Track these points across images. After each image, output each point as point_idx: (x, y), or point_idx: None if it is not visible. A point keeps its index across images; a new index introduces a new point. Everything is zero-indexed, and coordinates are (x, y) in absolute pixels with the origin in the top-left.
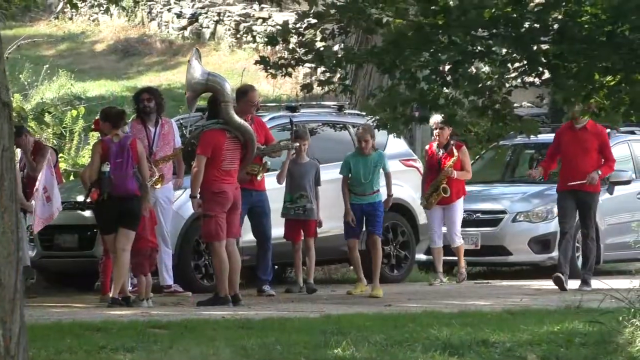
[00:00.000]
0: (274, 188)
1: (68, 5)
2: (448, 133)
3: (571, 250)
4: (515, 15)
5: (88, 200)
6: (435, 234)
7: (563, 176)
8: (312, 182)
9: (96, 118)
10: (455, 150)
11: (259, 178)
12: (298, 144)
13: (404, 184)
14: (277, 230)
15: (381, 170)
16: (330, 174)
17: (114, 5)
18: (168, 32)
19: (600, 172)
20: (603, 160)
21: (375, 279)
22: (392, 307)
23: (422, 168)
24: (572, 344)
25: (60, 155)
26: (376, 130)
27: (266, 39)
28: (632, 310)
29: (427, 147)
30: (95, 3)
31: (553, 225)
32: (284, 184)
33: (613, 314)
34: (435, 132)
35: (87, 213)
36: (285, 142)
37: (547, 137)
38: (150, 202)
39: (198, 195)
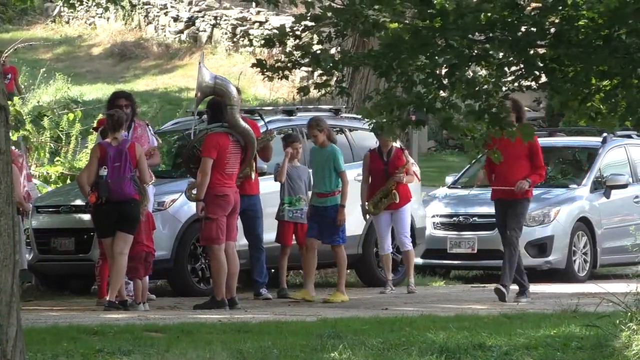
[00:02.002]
0: (267, 192)
1: (65, 7)
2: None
3: (519, 260)
4: (512, 19)
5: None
6: (384, 241)
7: (493, 184)
8: (306, 187)
9: (100, 117)
10: (404, 155)
11: (253, 178)
12: (290, 146)
13: None
14: (271, 234)
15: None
16: None
17: (113, 5)
18: (165, 35)
19: (529, 181)
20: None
21: (339, 285)
22: (388, 311)
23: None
24: (569, 347)
25: (57, 158)
26: (372, 133)
27: (263, 41)
28: (629, 314)
29: (366, 152)
30: (94, 3)
31: (550, 229)
32: (277, 187)
33: (610, 318)
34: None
35: (85, 216)
36: (263, 135)
37: (545, 141)
38: (148, 206)
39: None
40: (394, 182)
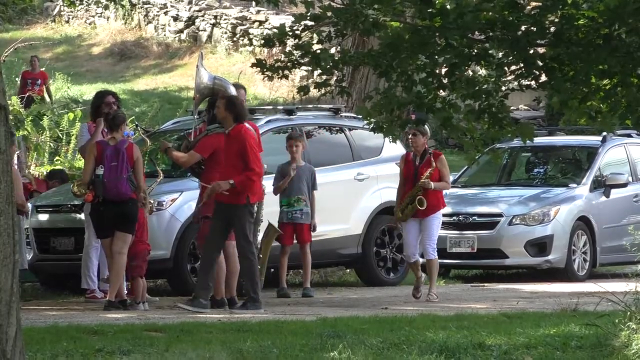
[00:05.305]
0: (268, 192)
1: (65, 6)
2: (424, 140)
3: (214, 270)
4: (512, 18)
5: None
6: (411, 248)
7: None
8: (309, 186)
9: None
10: (433, 160)
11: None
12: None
13: None
14: None
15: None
16: (327, 177)
17: (113, 3)
18: (165, 35)
19: (232, 183)
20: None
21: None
22: (388, 310)
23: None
24: (568, 347)
25: (57, 158)
26: (372, 133)
27: (263, 41)
28: (628, 313)
29: (403, 154)
30: (94, 1)
31: (549, 228)
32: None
33: (609, 317)
34: (409, 138)
35: (83, 216)
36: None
37: (544, 140)
38: (148, 206)
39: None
40: (419, 188)
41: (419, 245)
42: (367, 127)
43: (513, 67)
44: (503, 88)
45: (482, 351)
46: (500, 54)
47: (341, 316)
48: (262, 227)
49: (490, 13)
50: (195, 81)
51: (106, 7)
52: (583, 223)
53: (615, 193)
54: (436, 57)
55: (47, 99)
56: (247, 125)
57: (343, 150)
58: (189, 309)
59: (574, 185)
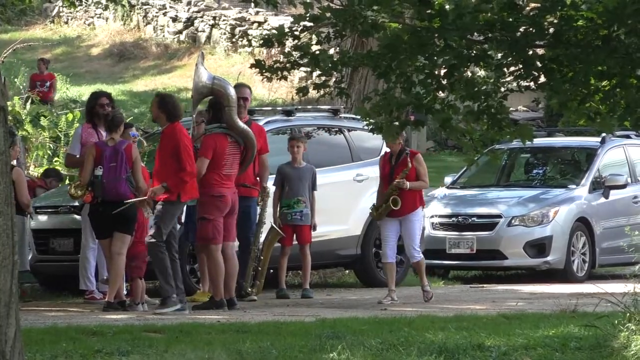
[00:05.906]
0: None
1: (64, 6)
2: (400, 140)
3: (169, 269)
4: (510, 19)
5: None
6: (388, 248)
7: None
8: (309, 187)
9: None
10: (409, 160)
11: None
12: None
13: None
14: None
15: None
16: (326, 178)
17: (112, 3)
18: (164, 36)
19: (165, 186)
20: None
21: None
22: (387, 311)
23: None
24: (568, 348)
25: (56, 159)
26: (371, 134)
27: (262, 41)
28: (627, 314)
29: (381, 154)
30: (93, 2)
31: (548, 229)
32: (273, 189)
33: (608, 318)
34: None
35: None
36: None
37: (543, 141)
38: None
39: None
40: (394, 187)
41: (395, 247)
42: (366, 128)
43: (512, 68)
44: (502, 89)
45: (481, 352)
46: (499, 55)
47: (340, 317)
48: (265, 229)
49: (489, 14)
50: (193, 80)
51: (106, 8)
52: (582, 224)
53: (614, 194)
54: (435, 58)
55: (53, 100)
56: (180, 124)
57: (342, 151)
58: (165, 311)
59: (573, 186)
